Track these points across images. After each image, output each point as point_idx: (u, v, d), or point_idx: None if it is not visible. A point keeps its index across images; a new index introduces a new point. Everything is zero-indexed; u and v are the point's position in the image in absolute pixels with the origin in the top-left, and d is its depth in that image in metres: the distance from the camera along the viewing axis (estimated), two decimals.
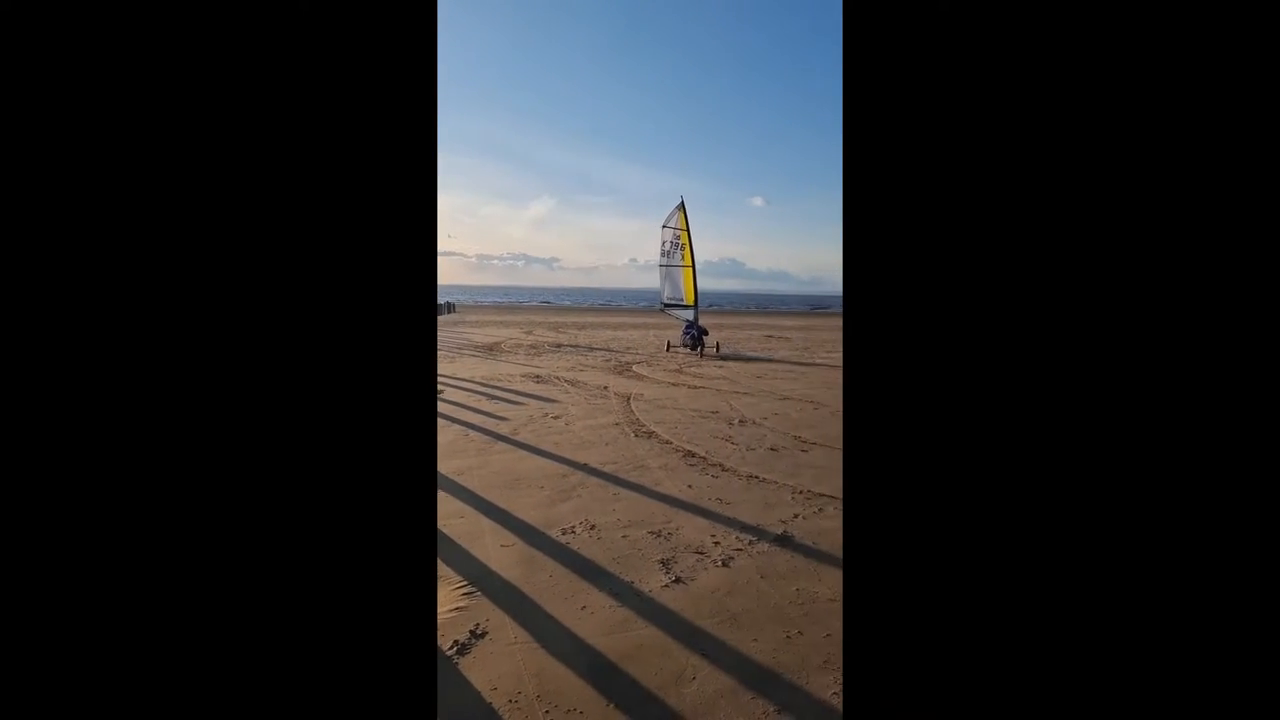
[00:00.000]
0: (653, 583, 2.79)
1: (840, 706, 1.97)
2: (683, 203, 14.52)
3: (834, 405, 7.38)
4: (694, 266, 14.52)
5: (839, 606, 2.59)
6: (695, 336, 13.56)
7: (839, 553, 3.14)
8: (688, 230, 14.54)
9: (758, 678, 2.12)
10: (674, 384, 8.94)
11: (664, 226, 14.78)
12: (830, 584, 2.80)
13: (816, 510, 3.76)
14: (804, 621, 2.47)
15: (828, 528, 3.48)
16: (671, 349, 14.22)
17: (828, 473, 4.56)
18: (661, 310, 15.88)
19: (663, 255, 14.95)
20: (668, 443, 5.42)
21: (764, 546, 3.21)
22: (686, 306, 14.56)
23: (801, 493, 4.09)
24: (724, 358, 12.89)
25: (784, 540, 3.30)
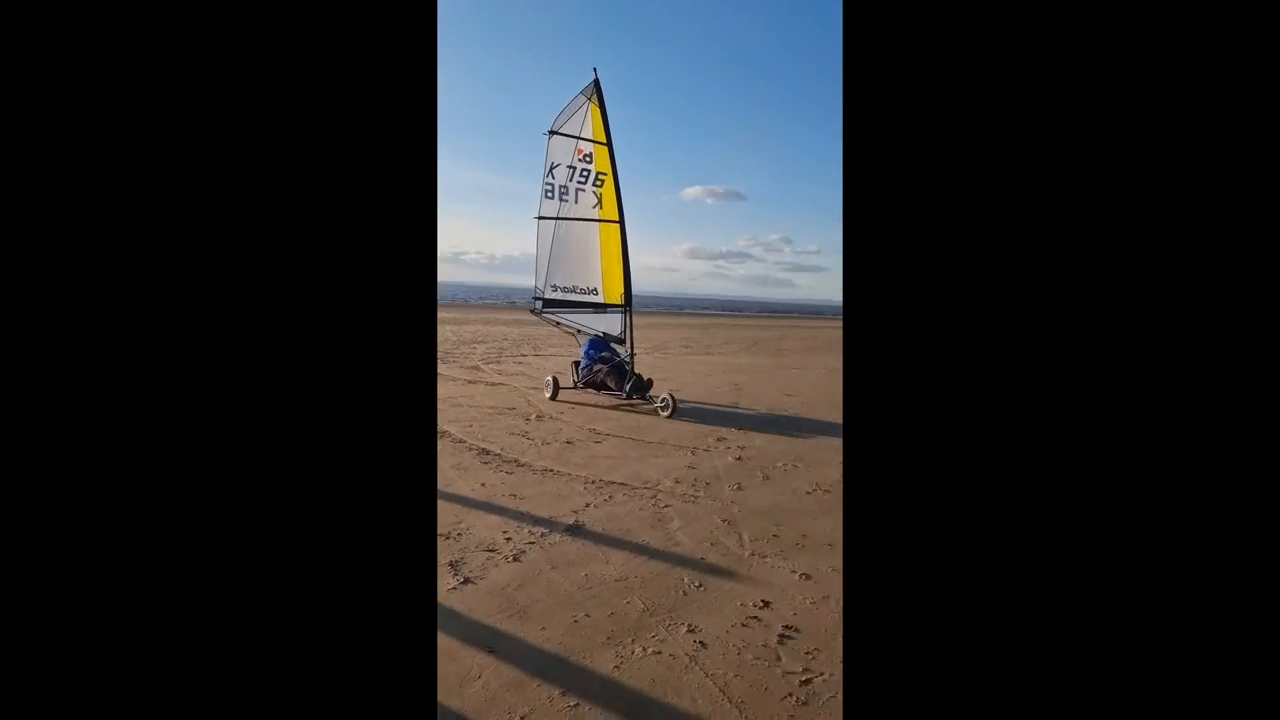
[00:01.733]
0: (439, 587, 2.67)
1: (623, 679, 2.10)
2: (597, 84, 6.95)
3: None
4: (623, 221, 7.07)
5: (624, 585, 2.76)
6: (619, 367, 6.99)
7: (627, 536, 3.33)
8: (609, 144, 7.00)
9: (544, 665, 2.16)
10: (470, 381, 8.62)
11: (552, 133, 6.99)
12: (617, 564, 2.97)
13: (606, 498, 3.95)
14: (591, 604, 2.58)
15: (617, 513, 3.67)
16: (560, 392, 7.19)
17: (620, 461, 4.81)
18: (535, 312, 7.50)
19: (548, 193, 7.13)
20: (461, 441, 5.22)
21: (556, 537, 3.27)
22: (602, 306, 7.26)
23: (594, 482, 4.25)
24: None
25: (575, 529, 3.40)
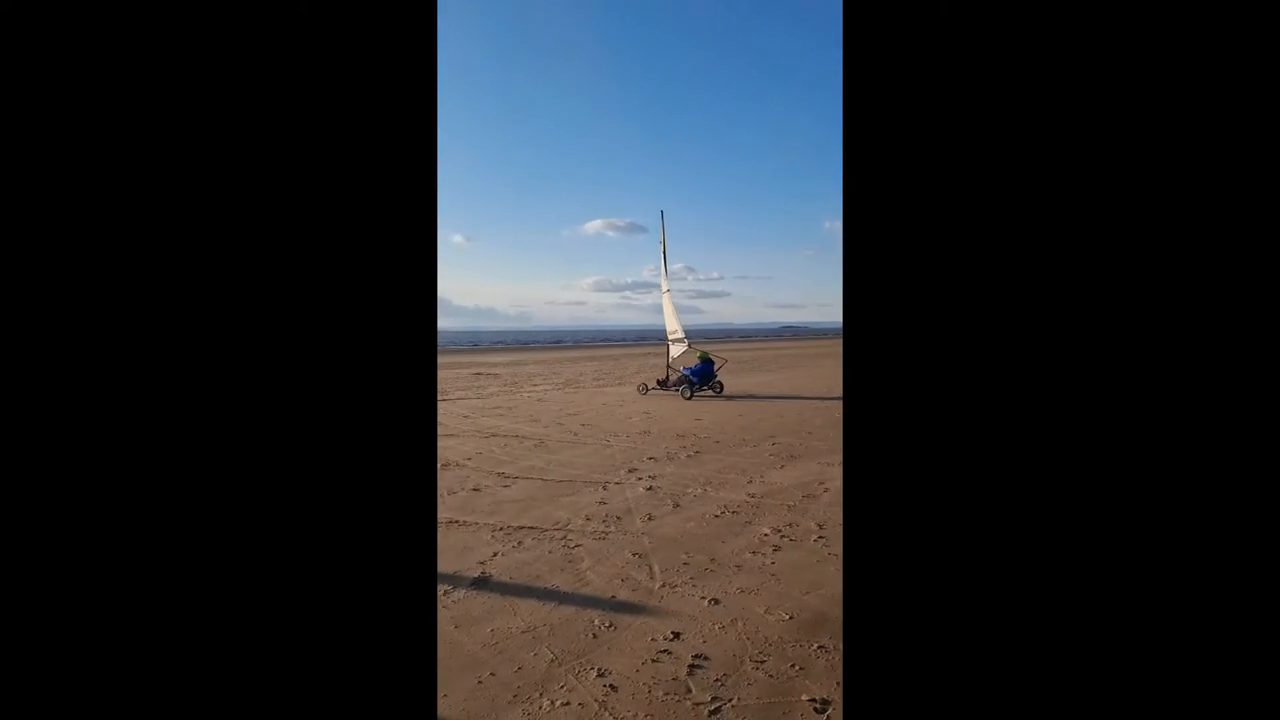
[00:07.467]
0: None
1: None
2: (662, 216, 14.16)
3: (539, 437, 7.65)
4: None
5: (531, 637, 2.67)
6: (690, 382, 11.93)
7: (535, 583, 3.24)
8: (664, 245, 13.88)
9: None
10: None
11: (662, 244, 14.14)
12: (525, 615, 2.87)
13: (515, 545, 3.83)
14: (496, 661, 2.47)
15: (526, 559, 3.56)
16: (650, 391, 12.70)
17: (530, 504, 4.69)
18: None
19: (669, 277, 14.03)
20: None
21: (460, 594, 3.12)
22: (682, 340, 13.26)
23: (502, 529, 4.11)
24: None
25: (482, 583, 3.26)
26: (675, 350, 13.28)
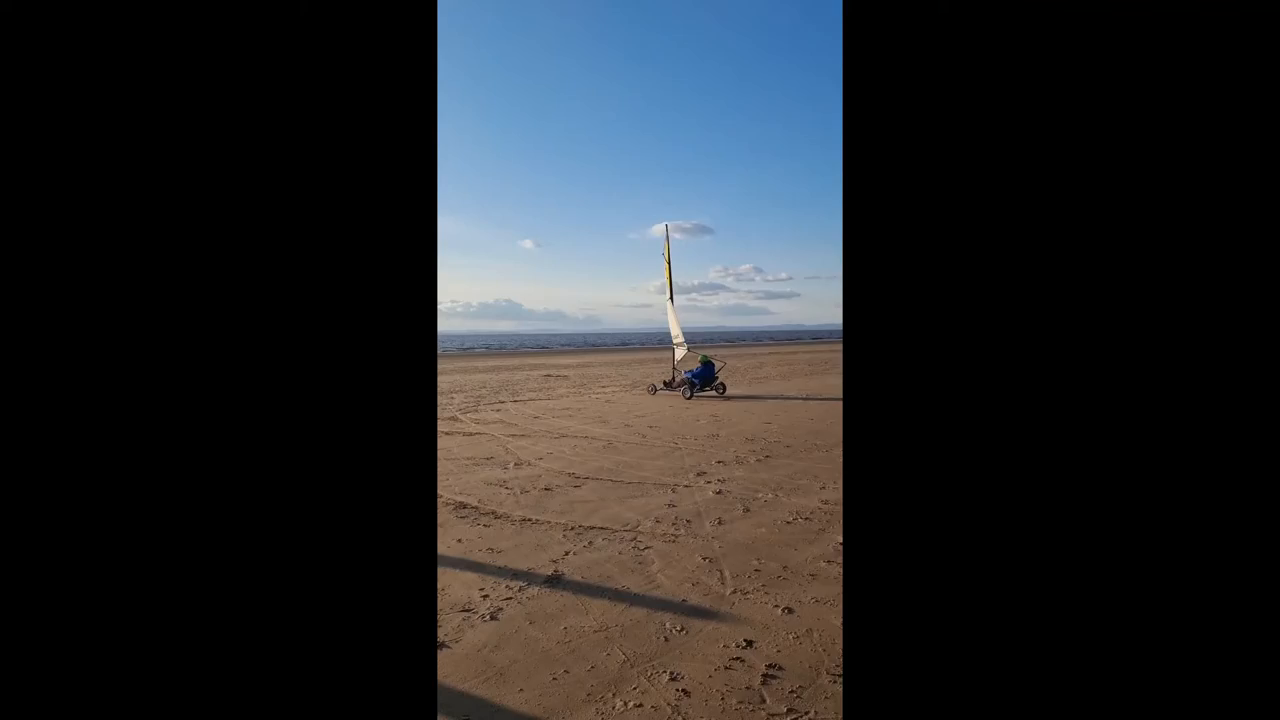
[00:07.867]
0: None
1: None
2: (667, 231, 15.15)
3: (608, 438, 7.75)
4: (672, 298, 14.33)
5: (603, 637, 2.70)
6: (693, 383, 12.36)
7: (606, 583, 3.27)
8: (668, 259, 14.44)
9: None
10: (446, 432, 8.50)
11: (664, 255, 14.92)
12: (597, 615, 2.90)
13: (586, 544, 3.89)
14: (570, 659, 2.51)
15: (597, 559, 3.61)
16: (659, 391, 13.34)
17: (600, 505, 4.76)
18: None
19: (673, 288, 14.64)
20: (438, 496, 5.11)
21: (534, 590, 3.20)
22: (683, 344, 13.97)
23: (573, 529, 4.19)
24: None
25: (554, 580, 3.33)
26: (679, 354, 13.92)
